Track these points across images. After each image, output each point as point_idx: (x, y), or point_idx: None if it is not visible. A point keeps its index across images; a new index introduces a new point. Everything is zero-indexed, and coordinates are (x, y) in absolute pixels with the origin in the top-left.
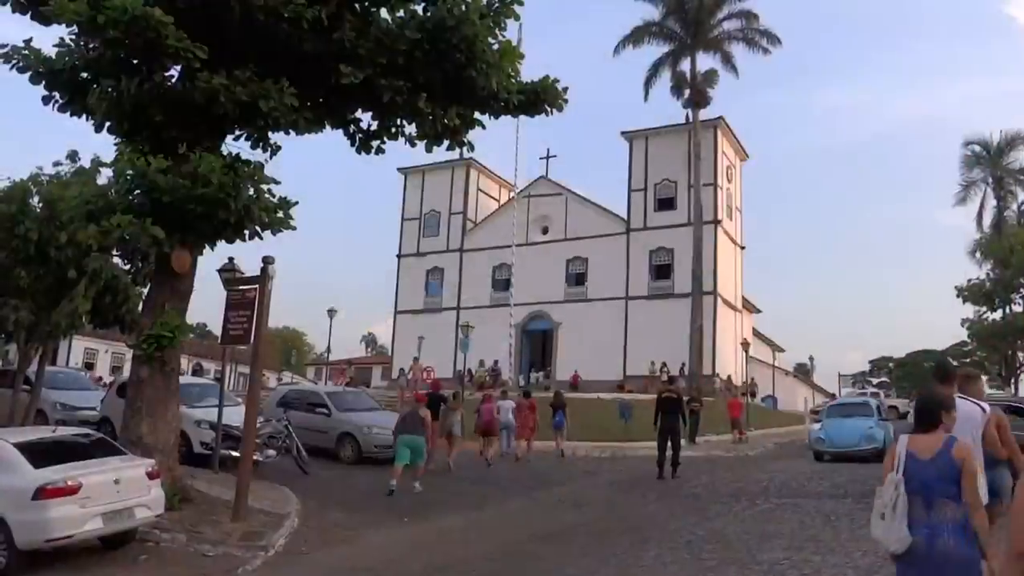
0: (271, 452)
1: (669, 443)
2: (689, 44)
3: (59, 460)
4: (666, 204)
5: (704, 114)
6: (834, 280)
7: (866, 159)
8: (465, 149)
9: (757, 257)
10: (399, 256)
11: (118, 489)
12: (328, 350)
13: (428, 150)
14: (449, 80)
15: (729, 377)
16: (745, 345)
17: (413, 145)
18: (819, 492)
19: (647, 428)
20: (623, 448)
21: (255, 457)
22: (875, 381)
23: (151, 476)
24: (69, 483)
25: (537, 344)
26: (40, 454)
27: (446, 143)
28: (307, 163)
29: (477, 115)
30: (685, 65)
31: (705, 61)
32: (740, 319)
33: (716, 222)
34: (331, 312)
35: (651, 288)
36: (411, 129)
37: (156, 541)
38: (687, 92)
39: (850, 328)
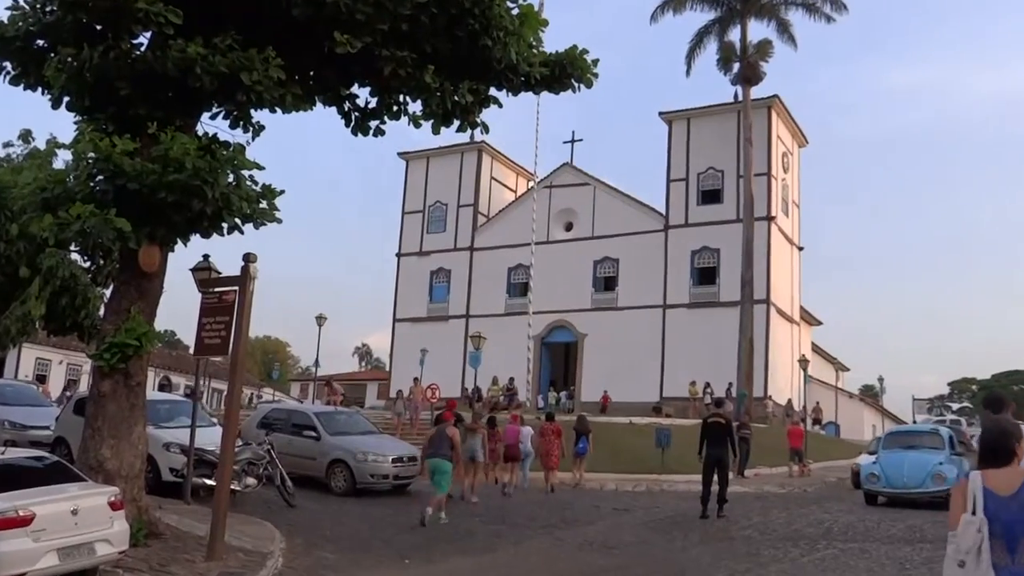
0: (251, 481)
1: (715, 476)
2: (739, 9)
3: (9, 486)
4: (711, 197)
5: (756, 92)
6: (908, 288)
7: (946, 146)
8: (479, 131)
9: (817, 260)
10: (399, 255)
11: (76, 521)
12: (316, 363)
13: (435, 131)
14: (460, 50)
15: (789, 401)
16: (803, 362)
17: (418, 126)
18: (891, 536)
19: (687, 458)
20: (659, 481)
21: (233, 486)
22: (955, 407)
23: (114, 507)
24: (21, 513)
25: (559, 359)
26: None
27: (456, 123)
28: (292, 146)
29: (492, 91)
30: (734, 34)
31: (758, 30)
32: (797, 332)
33: (769, 218)
34: (320, 319)
35: (693, 295)
36: (416, 107)
37: None
38: (736, 66)
39: (927, 344)
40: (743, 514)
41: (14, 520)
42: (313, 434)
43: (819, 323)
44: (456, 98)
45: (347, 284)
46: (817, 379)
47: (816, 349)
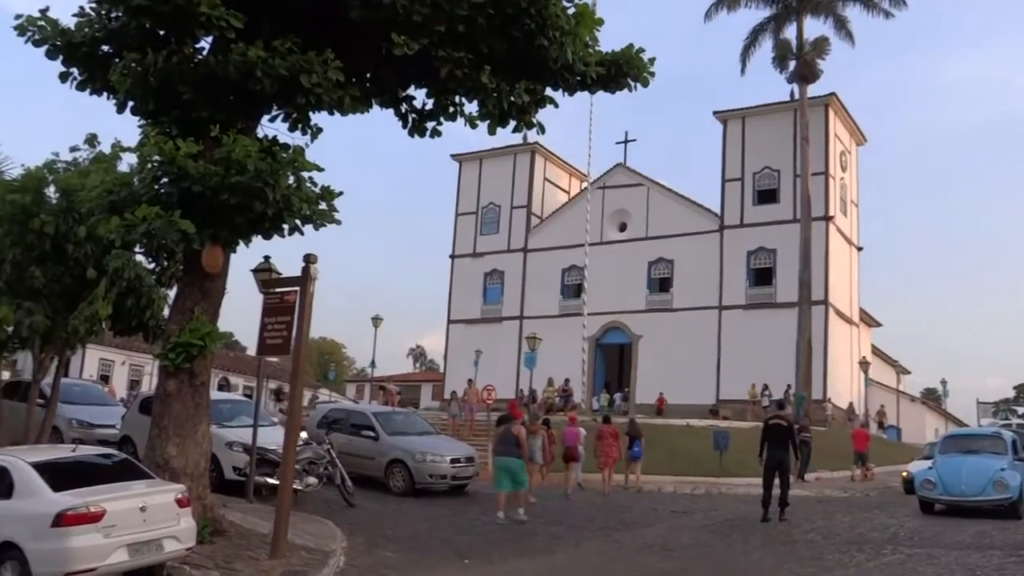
0: (312, 480)
1: (776, 479)
2: (795, 7)
3: (80, 483)
4: (767, 197)
5: (813, 90)
6: (973, 289)
7: (1011, 143)
8: (535, 131)
9: (877, 260)
10: (453, 257)
11: (145, 517)
12: (372, 364)
13: (491, 131)
14: (517, 51)
15: (851, 404)
16: (864, 365)
17: (474, 126)
18: (959, 542)
19: (746, 461)
20: (718, 484)
21: (294, 485)
22: (1021, 410)
23: (181, 504)
24: (92, 509)
25: (613, 360)
26: (60, 476)
27: (512, 124)
28: (343, 147)
29: (548, 91)
30: (790, 32)
31: (814, 27)
32: (857, 334)
33: (827, 218)
34: (376, 321)
35: (749, 296)
36: (472, 108)
37: None
38: (792, 64)
39: (993, 346)
40: (805, 518)
41: (85, 516)
42: (372, 434)
43: (879, 324)
44: (512, 98)
45: (401, 286)
46: (878, 382)
47: (876, 351)
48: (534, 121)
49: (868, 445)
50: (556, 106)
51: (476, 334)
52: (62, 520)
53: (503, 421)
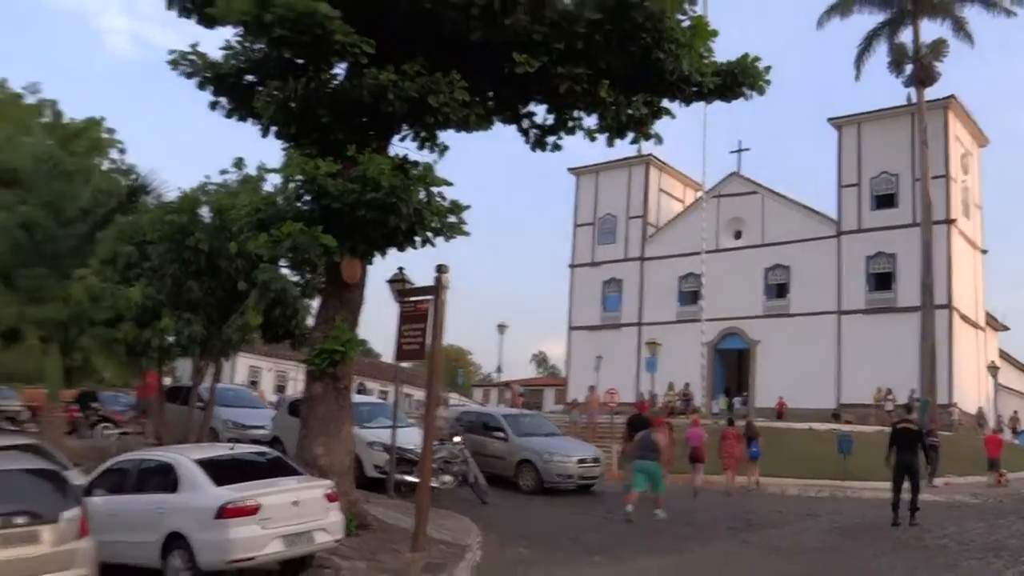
0: (447, 478)
1: (906, 483)
2: (911, 10)
3: (238, 479)
4: (885, 201)
5: (931, 93)
6: None
7: None
8: (651, 142)
9: (1003, 263)
10: (572, 266)
11: (297, 511)
12: (499, 369)
13: (610, 144)
14: (634, 65)
15: (980, 410)
16: (993, 369)
17: (593, 139)
18: None
19: (869, 465)
20: (842, 487)
21: (431, 483)
22: None
23: (330, 499)
24: (249, 503)
25: (731, 365)
26: (220, 472)
27: (630, 136)
28: (463, 162)
29: (665, 103)
30: (906, 35)
31: (931, 30)
32: (983, 338)
33: (949, 221)
34: (501, 328)
35: (869, 300)
36: (590, 121)
37: (335, 568)
38: (909, 68)
39: None
40: (936, 523)
41: (244, 509)
42: (501, 435)
43: (1006, 328)
44: (630, 111)
45: (519, 294)
46: (1007, 386)
47: (1004, 355)
48: (651, 133)
49: (1002, 451)
50: (673, 117)
51: (596, 340)
52: (224, 512)
53: (635, 423)
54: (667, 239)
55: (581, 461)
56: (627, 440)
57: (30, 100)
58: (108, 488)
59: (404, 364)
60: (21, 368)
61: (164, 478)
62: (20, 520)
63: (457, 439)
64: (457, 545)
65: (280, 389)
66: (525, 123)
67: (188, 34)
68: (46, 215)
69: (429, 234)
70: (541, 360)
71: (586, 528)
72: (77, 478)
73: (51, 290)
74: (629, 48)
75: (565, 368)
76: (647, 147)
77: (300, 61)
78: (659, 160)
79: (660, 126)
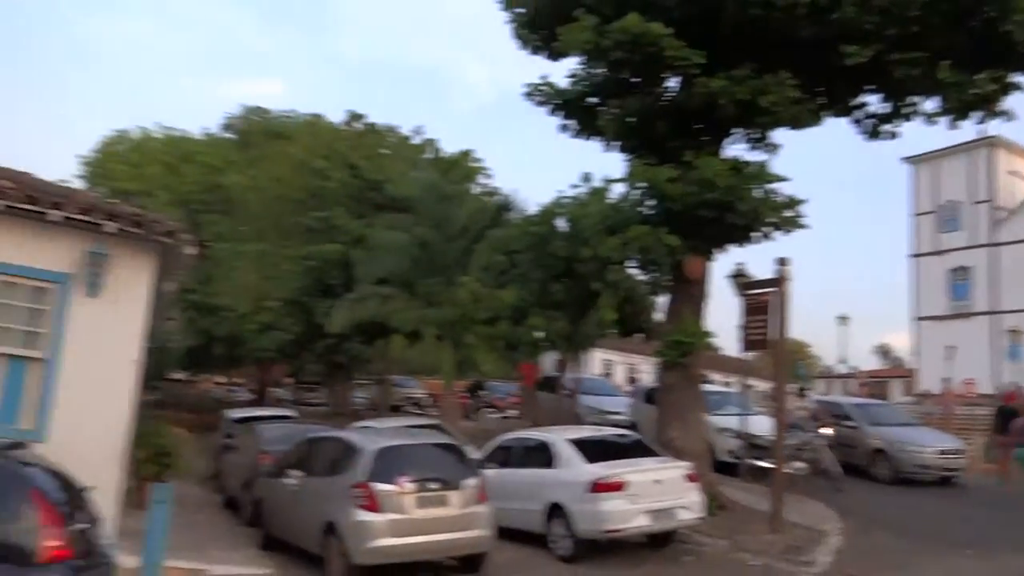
0: (800, 464)
1: None
2: None
3: (605, 457)
4: None
5: None
6: None
7: None
8: (1000, 120)
9: None
10: (913, 256)
11: (661, 489)
12: (842, 361)
13: (953, 126)
14: (977, 41)
15: None
16: None
17: (934, 123)
18: None
19: None
20: None
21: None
22: None
23: (690, 479)
24: (616, 479)
25: None
26: (588, 450)
27: (976, 116)
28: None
29: (1013, 77)
30: None
31: None
32: None
33: None
34: (841, 319)
35: None
36: (929, 105)
37: (696, 544)
38: None
39: None
40: None
41: (613, 485)
42: (851, 424)
43: None
44: (975, 90)
45: (859, 286)
46: None
47: None
48: (999, 110)
49: None
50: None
51: (945, 330)
52: (596, 487)
53: (1005, 413)
54: (1021, 222)
55: (943, 452)
56: (997, 431)
57: (416, 140)
58: (498, 463)
59: (747, 355)
60: (422, 362)
61: (542, 455)
62: (433, 485)
63: (827, 430)
64: (815, 529)
65: (632, 380)
66: (857, 114)
67: (532, 72)
68: (435, 234)
69: (766, 229)
70: (884, 351)
71: (951, 520)
72: (473, 453)
73: (442, 296)
74: (970, 24)
75: (912, 359)
76: (992, 127)
77: (636, 79)
78: (1003, 140)
79: (1011, 102)
